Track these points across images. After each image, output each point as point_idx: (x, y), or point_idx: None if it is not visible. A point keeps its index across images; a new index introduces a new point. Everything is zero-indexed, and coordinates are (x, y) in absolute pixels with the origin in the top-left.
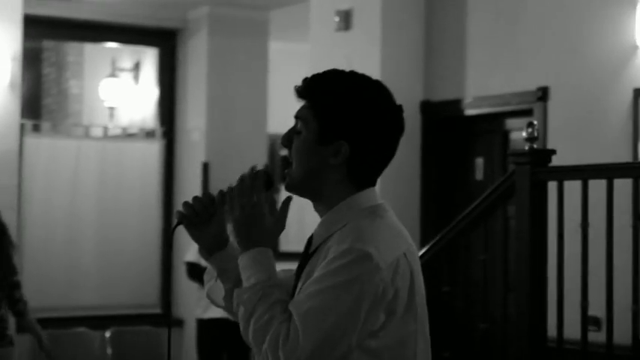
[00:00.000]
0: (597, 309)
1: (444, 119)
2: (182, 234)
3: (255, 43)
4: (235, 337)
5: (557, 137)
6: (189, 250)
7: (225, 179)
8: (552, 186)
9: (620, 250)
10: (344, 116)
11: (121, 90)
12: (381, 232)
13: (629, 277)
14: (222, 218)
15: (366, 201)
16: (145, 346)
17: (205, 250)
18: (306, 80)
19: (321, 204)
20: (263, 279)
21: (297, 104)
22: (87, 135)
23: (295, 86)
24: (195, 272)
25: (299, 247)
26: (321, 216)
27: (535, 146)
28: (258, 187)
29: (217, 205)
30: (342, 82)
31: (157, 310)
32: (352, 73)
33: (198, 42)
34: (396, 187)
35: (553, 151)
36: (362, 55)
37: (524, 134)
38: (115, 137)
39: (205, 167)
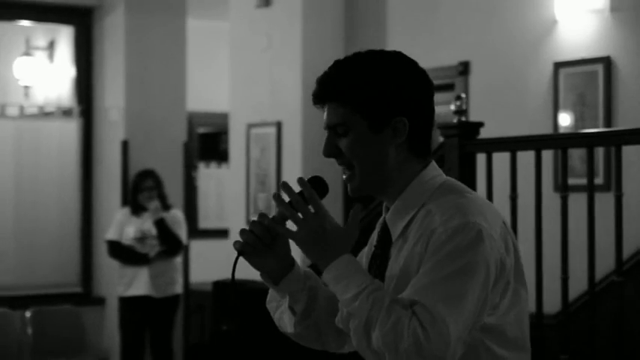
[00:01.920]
0: None
1: None
2: (102, 212)
3: (173, 21)
4: (158, 314)
5: (478, 111)
6: (109, 229)
7: (144, 157)
8: (480, 158)
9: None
10: (388, 93)
11: (36, 69)
12: (479, 205)
13: (550, 248)
14: (286, 239)
15: (436, 175)
16: (66, 324)
17: (269, 278)
18: (322, 82)
19: (390, 191)
20: (367, 283)
21: (217, 80)
22: (2, 114)
23: (314, 92)
24: (117, 250)
25: (219, 223)
26: (389, 203)
27: (463, 119)
28: (313, 195)
29: (279, 226)
30: (362, 64)
31: (78, 289)
32: (360, 54)
33: (115, 20)
34: (318, 165)
35: (481, 124)
36: (283, 31)
37: (452, 107)
38: (32, 116)
39: (125, 145)
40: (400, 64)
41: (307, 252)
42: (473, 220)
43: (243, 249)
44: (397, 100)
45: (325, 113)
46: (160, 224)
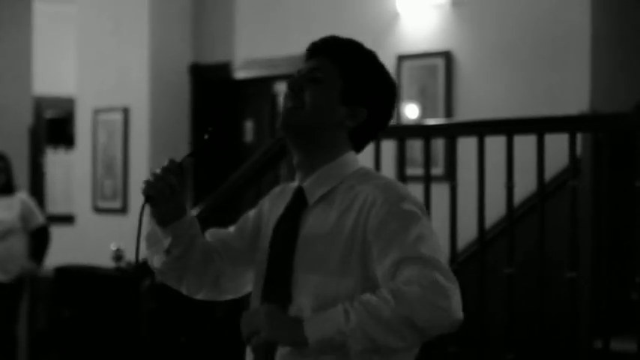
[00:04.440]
0: None
1: (213, 82)
2: None
3: (17, 3)
4: (4, 300)
5: None
6: None
7: None
8: None
9: None
10: (370, 83)
11: None
12: (403, 186)
13: None
14: (185, 183)
15: (356, 162)
16: None
17: (161, 220)
18: (327, 37)
19: (311, 157)
20: (345, 313)
21: (61, 67)
22: None
23: (315, 42)
24: None
25: (67, 209)
26: (303, 170)
27: None
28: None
29: (186, 174)
30: (364, 49)
31: None
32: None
33: None
34: (166, 151)
35: None
36: (130, 16)
37: None
38: None
39: None
40: (387, 72)
41: (277, 338)
42: (408, 195)
43: (153, 193)
44: (375, 94)
45: (309, 62)
46: (37, 259)
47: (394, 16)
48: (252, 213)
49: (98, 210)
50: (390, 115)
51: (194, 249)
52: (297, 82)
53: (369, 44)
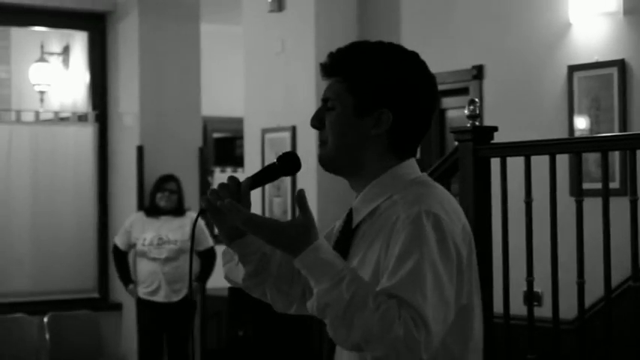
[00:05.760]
0: (537, 284)
1: None
2: (118, 218)
3: (186, 25)
4: (175, 318)
5: (493, 115)
6: (119, 231)
7: (160, 163)
8: (495, 162)
9: (559, 225)
10: (383, 83)
11: (51, 74)
12: (441, 198)
13: (567, 253)
14: (248, 205)
15: (411, 172)
16: (84, 330)
17: (226, 237)
18: (332, 55)
19: (360, 178)
20: (344, 271)
21: (232, 84)
22: (18, 120)
23: (321, 63)
24: (117, 259)
25: None
26: (358, 191)
27: (477, 123)
28: (241, 209)
29: (244, 192)
30: (374, 51)
31: (95, 295)
32: (380, 43)
33: (129, 25)
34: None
35: (495, 128)
36: (296, 35)
37: (466, 111)
38: (47, 121)
39: (140, 150)
40: (408, 62)
41: (274, 244)
42: (432, 210)
43: (207, 207)
44: (389, 93)
45: (325, 87)
46: (203, 280)
47: (565, 26)
48: (326, 232)
49: None
50: (425, 108)
51: (269, 268)
52: (316, 119)
53: (538, 55)
